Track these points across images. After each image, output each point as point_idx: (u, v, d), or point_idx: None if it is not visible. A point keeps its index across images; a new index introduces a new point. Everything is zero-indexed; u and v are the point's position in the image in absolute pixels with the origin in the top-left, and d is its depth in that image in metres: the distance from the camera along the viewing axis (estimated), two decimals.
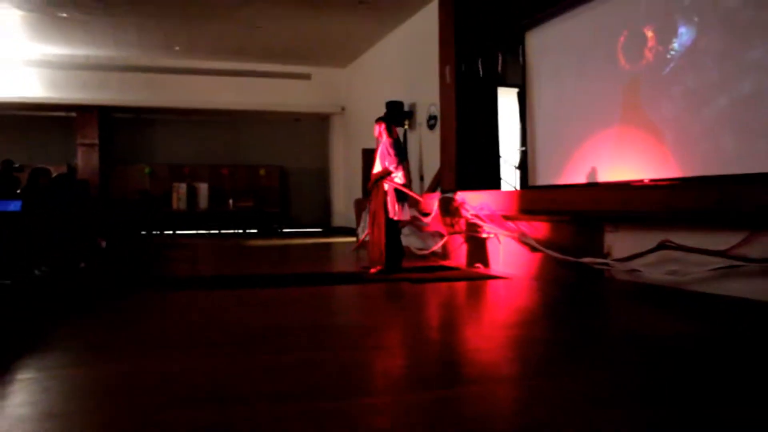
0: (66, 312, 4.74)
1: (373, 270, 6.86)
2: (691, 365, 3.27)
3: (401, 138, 10.56)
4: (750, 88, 4.89)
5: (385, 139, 6.87)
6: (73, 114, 15.21)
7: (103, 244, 7.78)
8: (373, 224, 6.90)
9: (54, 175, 7.87)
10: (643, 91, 5.98)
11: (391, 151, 6.76)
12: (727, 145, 5.12)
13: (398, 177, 6.76)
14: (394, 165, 6.73)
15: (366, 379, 3.11)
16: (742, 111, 4.97)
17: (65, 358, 3.44)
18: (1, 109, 14.83)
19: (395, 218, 6.75)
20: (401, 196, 6.79)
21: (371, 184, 6.96)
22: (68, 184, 7.77)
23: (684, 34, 5.53)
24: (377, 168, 6.88)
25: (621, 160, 6.22)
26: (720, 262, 4.61)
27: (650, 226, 5.35)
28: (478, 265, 7.58)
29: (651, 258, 5.23)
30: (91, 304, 5.19)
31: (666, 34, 5.70)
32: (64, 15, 11.19)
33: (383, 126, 6.91)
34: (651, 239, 5.23)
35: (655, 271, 5.19)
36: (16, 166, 11.44)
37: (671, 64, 5.66)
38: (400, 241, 6.97)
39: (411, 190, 7.30)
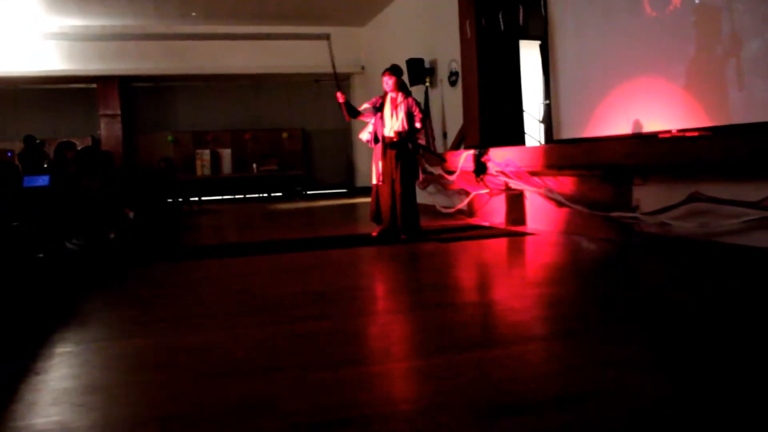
0: (99, 284, 4.83)
1: (374, 233, 6.68)
2: (730, 323, 3.23)
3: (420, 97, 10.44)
4: None
5: (401, 99, 6.55)
6: (94, 85, 15.25)
7: (131, 214, 7.85)
8: (398, 185, 6.50)
9: (79, 147, 7.92)
10: (670, 38, 5.81)
11: (418, 110, 6.56)
12: (759, 92, 4.98)
13: (421, 138, 6.61)
14: (420, 125, 6.55)
15: (397, 343, 3.13)
16: None
17: (102, 331, 3.51)
18: (24, 84, 14.93)
19: (420, 178, 6.64)
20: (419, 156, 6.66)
21: (394, 142, 6.53)
22: (94, 156, 7.82)
23: None
24: (397, 126, 6.51)
25: (648, 111, 6.08)
26: (752, 213, 4.53)
27: (680, 178, 5.26)
28: (513, 224, 7.52)
29: (681, 211, 5.16)
30: (123, 275, 5.28)
31: None
32: None
33: (394, 80, 6.57)
34: (681, 191, 5.15)
35: (685, 223, 5.11)
36: (38, 141, 11.54)
37: (700, 10, 5.48)
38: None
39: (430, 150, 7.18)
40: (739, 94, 5.14)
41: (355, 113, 6.78)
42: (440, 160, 8.86)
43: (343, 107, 6.79)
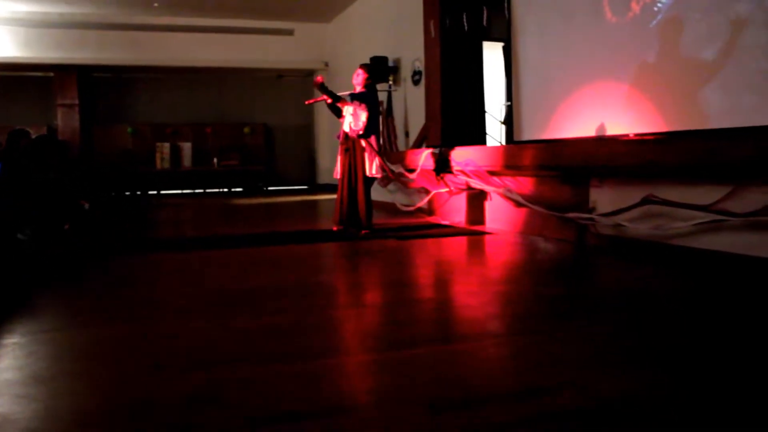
0: (51, 276, 4.71)
1: (335, 228, 6.72)
2: (681, 321, 3.30)
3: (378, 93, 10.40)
4: (737, 41, 4.85)
5: (359, 90, 6.56)
6: (51, 74, 14.89)
7: (87, 205, 7.69)
8: (347, 181, 6.58)
9: (34, 136, 7.71)
10: (630, 44, 5.92)
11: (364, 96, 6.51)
12: (713, 99, 5.09)
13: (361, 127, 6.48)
14: (353, 106, 6.47)
15: (354, 338, 3.13)
16: (729, 65, 4.93)
17: (51, 322, 3.43)
18: None
19: (371, 175, 6.57)
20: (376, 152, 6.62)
21: (346, 136, 6.58)
22: (49, 145, 7.63)
23: None
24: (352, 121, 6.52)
25: (607, 115, 6.18)
26: (704, 216, 4.63)
27: (635, 181, 5.36)
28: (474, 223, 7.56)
29: (635, 213, 5.25)
30: (76, 267, 5.16)
31: None
32: None
33: (364, 77, 6.58)
34: (636, 194, 5.24)
35: (639, 225, 5.20)
36: None
37: (658, 17, 5.60)
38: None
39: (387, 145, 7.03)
40: (695, 100, 5.26)
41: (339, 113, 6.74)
42: (381, 158, 8.83)
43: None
